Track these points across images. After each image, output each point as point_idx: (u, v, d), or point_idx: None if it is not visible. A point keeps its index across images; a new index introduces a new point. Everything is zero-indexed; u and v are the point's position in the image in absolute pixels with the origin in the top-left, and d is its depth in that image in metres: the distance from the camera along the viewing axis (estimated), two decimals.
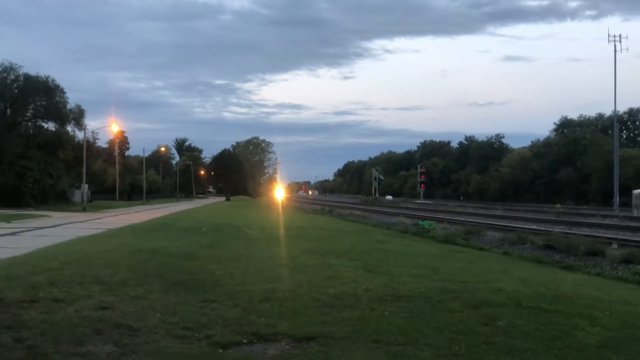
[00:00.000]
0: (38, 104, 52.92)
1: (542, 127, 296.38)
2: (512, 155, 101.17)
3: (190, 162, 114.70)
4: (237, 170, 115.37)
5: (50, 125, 54.09)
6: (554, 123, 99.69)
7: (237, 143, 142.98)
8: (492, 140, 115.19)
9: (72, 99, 66.88)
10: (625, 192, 59.72)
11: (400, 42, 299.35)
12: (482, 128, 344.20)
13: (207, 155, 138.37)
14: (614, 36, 64.82)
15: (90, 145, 59.31)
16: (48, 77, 52.43)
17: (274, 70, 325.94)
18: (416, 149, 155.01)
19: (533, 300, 8.57)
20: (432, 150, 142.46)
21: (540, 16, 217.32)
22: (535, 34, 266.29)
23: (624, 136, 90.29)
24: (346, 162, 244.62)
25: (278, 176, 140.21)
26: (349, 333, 6.40)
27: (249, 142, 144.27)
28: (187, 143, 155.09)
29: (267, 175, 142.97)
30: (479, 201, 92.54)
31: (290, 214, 43.97)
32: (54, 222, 28.81)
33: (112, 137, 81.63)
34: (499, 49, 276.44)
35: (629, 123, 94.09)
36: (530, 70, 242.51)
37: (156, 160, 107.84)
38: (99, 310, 7.24)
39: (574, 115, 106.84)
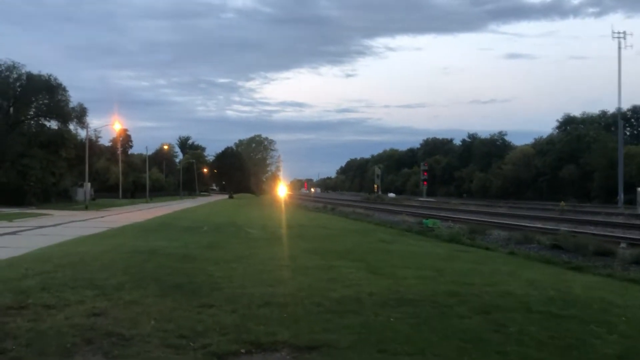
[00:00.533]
0: (40, 102, 52.84)
1: (545, 125, 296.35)
2: (514, 152, 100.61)
3: (194, 160, 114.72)
4: (240, 168, 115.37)
5: (53, 124, 54.17)
6: (557, 120, 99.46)
7: (240, 141, 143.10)
8: (495, 137, 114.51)
9: (75, 97, 67.17)
10: (629, 189, 59.29)
11: (402, 40, 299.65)
12: (484, 125, 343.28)
13: (210, 153, 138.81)
14: (619, 32, 64.48)
15: (92, 144, 59.09)
16: (50, 75, 52.49)
17: (276, 68, 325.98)
18: (419, 146, 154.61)
19: (544, 305, 8.20)
20: (435, 147, 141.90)
21: (542, 13, 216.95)
22: (538, 31, 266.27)
23: (628, 133, 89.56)
24: (348, 159, 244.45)
25: (280, 174, 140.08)
26: (352, 342, 6.06)
27: (251, 140, 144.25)
28: (190, 141, 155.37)
29: (270, 173, 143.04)
30: (481, 199, 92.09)
31: (292, 212, 43.62)
32: (55, 221, 28.57)
33: (115, 135, 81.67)
34: (501, 47, 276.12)
35: (633, 120, 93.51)
36: (532, 68, 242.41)
37: (159, 158, 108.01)
38: (90, 317, 6.91)
39: (576, 112, 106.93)
